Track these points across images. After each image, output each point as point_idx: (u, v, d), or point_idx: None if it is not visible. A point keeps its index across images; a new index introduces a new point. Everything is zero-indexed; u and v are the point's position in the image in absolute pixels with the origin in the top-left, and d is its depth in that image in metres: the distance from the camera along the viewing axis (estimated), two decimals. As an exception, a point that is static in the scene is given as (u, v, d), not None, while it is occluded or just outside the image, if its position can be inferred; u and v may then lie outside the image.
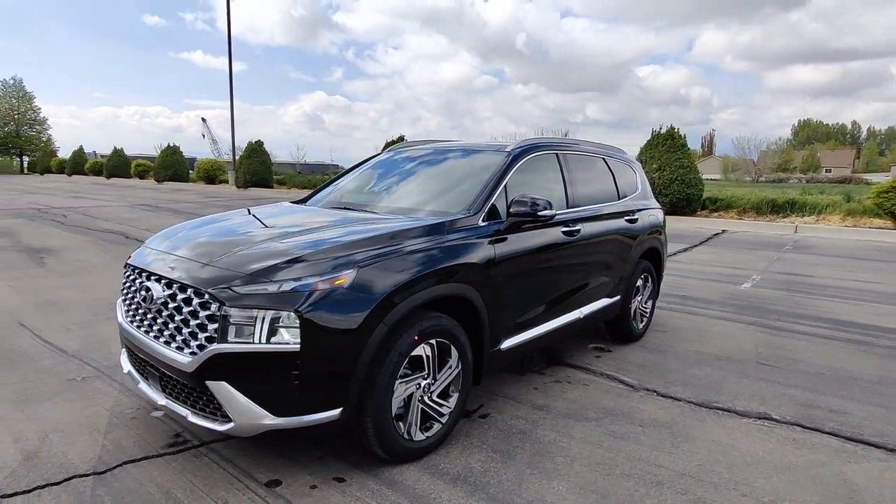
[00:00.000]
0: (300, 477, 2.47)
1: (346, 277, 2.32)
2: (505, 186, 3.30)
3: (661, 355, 4.40)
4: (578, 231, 3.74)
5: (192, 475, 2.45)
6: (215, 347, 2.20)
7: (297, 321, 2.18)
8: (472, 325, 2.90)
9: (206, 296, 2.26)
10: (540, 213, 3.11)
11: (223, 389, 2.21)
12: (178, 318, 2.37)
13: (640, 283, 4.68)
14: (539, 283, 3.42)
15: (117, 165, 41.12)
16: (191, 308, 2.32)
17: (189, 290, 2.34)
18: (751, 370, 4.10)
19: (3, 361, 3.81)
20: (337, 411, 2.29)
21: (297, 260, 2.36)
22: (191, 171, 34.27)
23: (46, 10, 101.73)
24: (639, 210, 4.64)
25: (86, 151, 51.77)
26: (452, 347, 2.76)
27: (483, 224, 3.03)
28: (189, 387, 2.35)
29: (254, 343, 2.18)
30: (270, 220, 3.23)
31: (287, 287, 2.23)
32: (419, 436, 2.64)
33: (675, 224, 13.65)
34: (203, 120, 68.41)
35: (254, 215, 3.36)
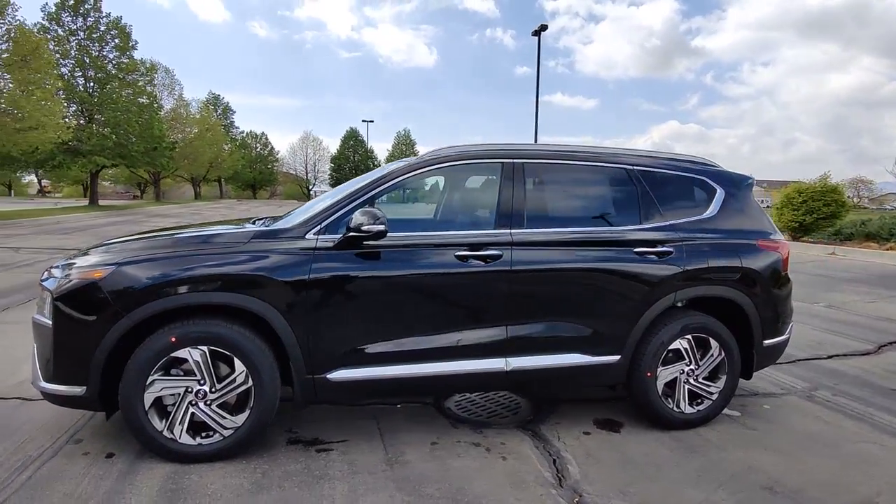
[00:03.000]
0: (99, 443, 2.81)
1: (102, 272, 2.56)
2: (371, 199, 2.93)
3: (684, 457, 2.94)
4: (499, 257, 2.94)
5: (35, 424, 3.01)
6: (34, 316, 2.79)
7: (52, 303, 2.58)
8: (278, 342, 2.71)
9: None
10: (364, 228, 2.65)
11: (33, 350, 2.77)
12: None
13: (682, 346, 3.22)
14: (401, 312, 2.84)
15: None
16: None
17: None
18: (797, 521, 2.37)
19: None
20: (80, 389, 2.55)
21: (84, 255, 2.75)
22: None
23: (447, 76, 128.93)
24: (682, 241, 3.21)
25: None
26: (236, 360, 2.65)
27: (310, 238, 2.78)
28: None
29: (44, 317, 2.67)
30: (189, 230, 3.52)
31: (60, 274, 2.65)
32: (186, 439, 2.63)
33: None
34: None
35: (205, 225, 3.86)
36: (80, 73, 27.24)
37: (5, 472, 2.52)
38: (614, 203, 3.32)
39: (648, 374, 3.16)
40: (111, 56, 28.00)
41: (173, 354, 2.58)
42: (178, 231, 3.22)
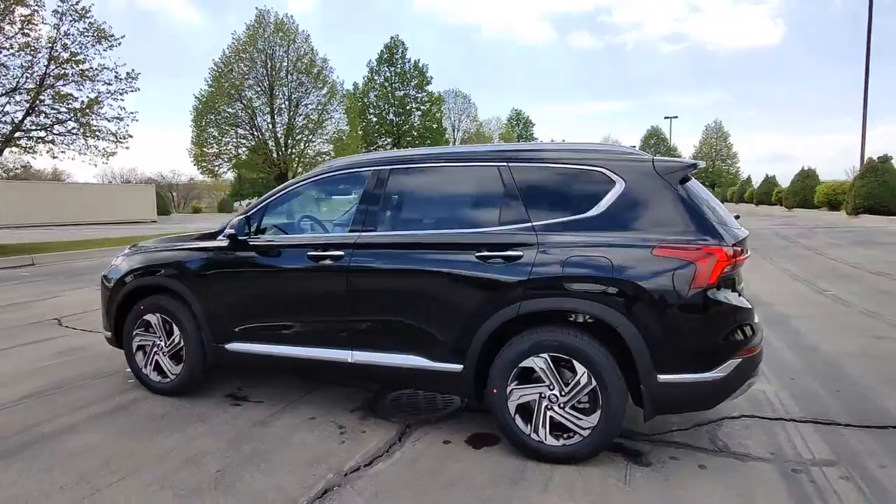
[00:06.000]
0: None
1: (121, 260, 4.00)
2: (265, 209, 3.59)
3: (489, 486, 2.68)
4: (341, 258, 3.22)
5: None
6: None
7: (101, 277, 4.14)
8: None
9: None
10: (225, 233, 3.37)
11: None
12: None
13: (538, 365, 2.81)
14: (270, 301, 3.43)
15: (765, 193, 42.18)
16: None
17: None
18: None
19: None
20: (109, 334, 4.02)
21: (133, 246, 4.22)
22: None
23: (798, 51, 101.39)
24: (538, 244, 2.81)
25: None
26: (174, 325, 3.71)
27: (220, 239, 3.62)
28: None
29: None
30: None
31: (114, 260, 4.19)
32: (154, 376, 3.79)
33: None
34: None
35: None
36: (392, 111, 34.70)
37: (78, 380, 4.19)
38: (475, 204, 3.13)
39: (494, 391, 2.92)
40: (412, 93, 34.80)
41: (144, 318, 3.83)
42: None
